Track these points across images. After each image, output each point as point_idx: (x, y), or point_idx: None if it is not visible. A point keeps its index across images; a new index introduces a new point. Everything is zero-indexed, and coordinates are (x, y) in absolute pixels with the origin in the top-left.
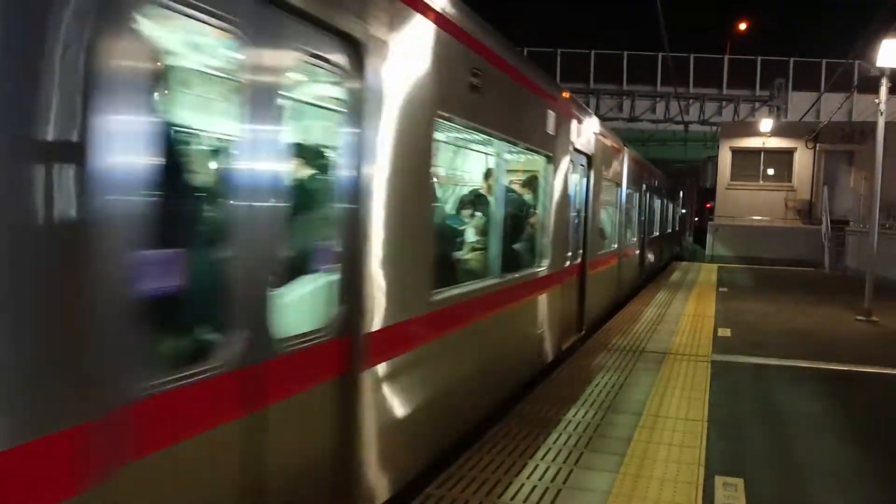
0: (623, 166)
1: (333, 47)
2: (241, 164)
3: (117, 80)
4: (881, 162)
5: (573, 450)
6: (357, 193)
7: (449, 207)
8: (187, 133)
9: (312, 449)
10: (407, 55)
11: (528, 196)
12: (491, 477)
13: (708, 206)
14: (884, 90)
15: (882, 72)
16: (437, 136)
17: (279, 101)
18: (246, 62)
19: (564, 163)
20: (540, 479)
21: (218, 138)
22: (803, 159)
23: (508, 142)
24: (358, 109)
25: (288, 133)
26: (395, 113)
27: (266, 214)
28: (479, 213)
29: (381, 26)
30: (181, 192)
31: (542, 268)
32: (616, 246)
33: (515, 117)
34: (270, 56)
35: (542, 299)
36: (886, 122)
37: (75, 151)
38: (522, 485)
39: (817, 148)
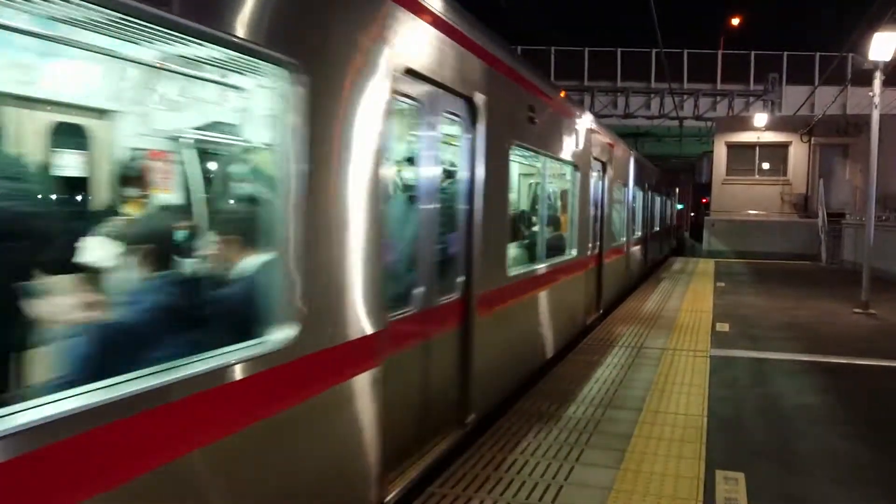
0: (629, 169)
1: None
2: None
3: None
4: (876, 154)
5: (574, 446)
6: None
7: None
8: None
9: None
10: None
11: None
12: (493, 474)
13: (704, 201)
14: (877, 83)
15: (875, 65)
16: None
17: None
18: None
19: (586, 170)
20: (542, 476)
21: None
22: (798, 153)
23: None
24: None
25: None
26: None
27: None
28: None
29: None
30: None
31: (575, 254)
32: (624, 239)
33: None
34: None
35: (580, 277)
36: (881, 115)
37: None
38: (524, 482)
39: (812, 141)
